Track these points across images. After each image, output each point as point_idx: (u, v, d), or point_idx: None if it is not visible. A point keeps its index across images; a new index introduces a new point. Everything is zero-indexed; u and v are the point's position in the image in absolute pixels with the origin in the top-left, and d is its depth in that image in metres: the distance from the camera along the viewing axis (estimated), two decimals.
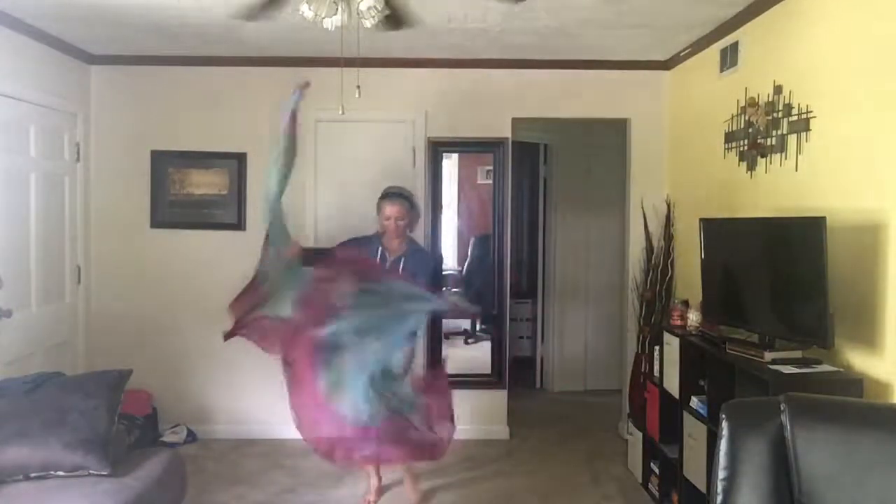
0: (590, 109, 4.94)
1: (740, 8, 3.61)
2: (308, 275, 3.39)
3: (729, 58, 3.87)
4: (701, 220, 3.60)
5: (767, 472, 2.00)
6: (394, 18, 2.95)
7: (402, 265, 3.80)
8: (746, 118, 3.60)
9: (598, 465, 4.47)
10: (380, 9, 2.65)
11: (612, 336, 5.93)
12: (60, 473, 2.73)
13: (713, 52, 4.08)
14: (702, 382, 3.36)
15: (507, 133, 4.91)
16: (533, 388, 6.31)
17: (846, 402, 2.29)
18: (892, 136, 2.55)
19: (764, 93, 3.44)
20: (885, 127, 2.60)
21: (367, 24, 2.72)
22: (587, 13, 3.72)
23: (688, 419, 3.43)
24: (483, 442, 4.87)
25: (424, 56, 4.71)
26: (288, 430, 4.84)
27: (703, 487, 3.20)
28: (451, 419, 3.43)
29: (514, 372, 5.23)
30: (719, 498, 2.03)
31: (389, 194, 3.87)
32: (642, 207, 4.85)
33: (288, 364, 3.33)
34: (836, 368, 2.77)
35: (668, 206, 4.75)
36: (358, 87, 3.13)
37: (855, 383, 2.65)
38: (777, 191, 3.33)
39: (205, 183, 4.88)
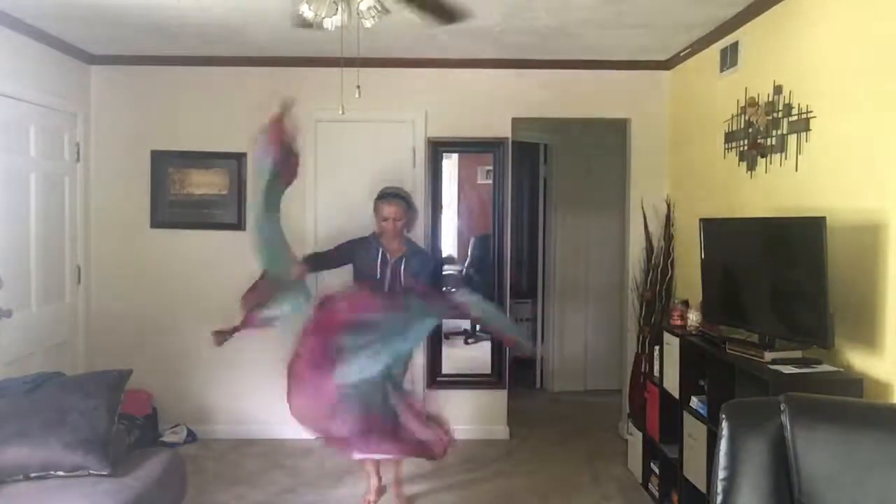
0: (590, 109, 4.94)
1: (740, 8, 3.61)
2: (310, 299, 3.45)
3: (729, 58, 3.87)
4: (701, 220, 3.60)
5: (767, 472, 2.00)
6: (447, 13, 2.94)
7: (403, 265, 3.80)
8: (746, 118, 3.60)
9: (598, 465, 4.48)
10: (380, 9, 2.65)
11: (612, 336, 5.93)
12: (60, 473, 2.73)
13: (713, 52, 4.08)
14: (702, 382, 3.36)
15: (507, 133, 4.91)
16: (533, 388, 6.31)
17: (846, 402, 2.29)
18: (892, 136, 2.55)
19: (764, 93, 3.44)
20: (885, 127, 2.60)
21: (368, 24, 2.72)
22: (587, 13, 3.72)
23: (688, 419, 3.43)
24: (483, 442, 4.87)
25: (424, 56, 4.71)
26: (288, 430, 4.84)
27: (703, 487, 3.20)
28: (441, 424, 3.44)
29: (514, 372, 5.23)
30: (719, 498, 2.03)
31: (386, 195, 3.86)
32: (642, 207, 4.85)
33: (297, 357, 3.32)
34: (836, 368, 2.77)
35: (668, 206, 4.75)
36: (358, 87, 3.14)
37: (855, 383, 2.65)
38: (777, 191, 3.33)
39: (205, 183, 4.88)
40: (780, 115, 3.27)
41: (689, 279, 4.26)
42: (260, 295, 3.39)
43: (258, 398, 4.81)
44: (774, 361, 2.80)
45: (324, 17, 2.66)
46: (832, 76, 2.93)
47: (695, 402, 3.36)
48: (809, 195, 3.05)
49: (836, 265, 2.67)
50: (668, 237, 4.68)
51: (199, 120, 4.87)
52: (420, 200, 4.85)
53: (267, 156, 3.32)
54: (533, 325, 6.56)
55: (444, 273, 4.12)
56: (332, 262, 3.90)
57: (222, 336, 3.36)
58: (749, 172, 3.58)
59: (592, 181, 6.18)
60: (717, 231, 3.52)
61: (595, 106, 4.93)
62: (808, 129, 3.07)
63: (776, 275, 3.02)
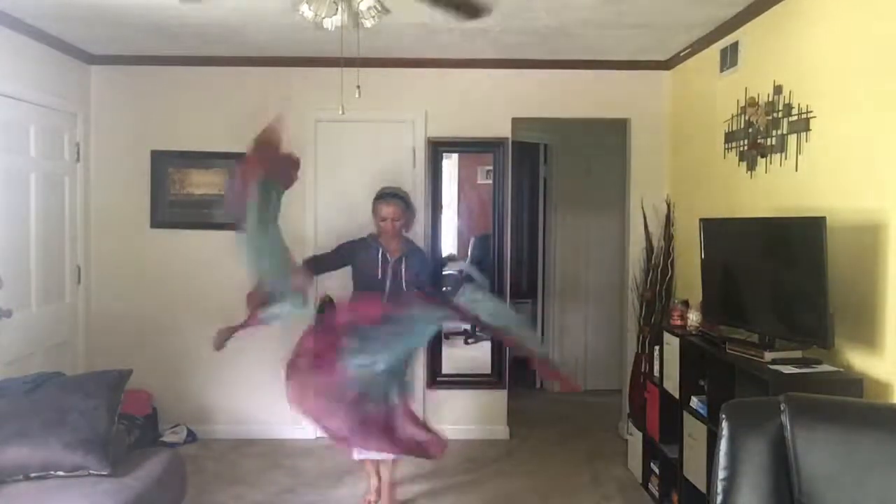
0: (590, 109, 4.94)
1: (740, 8, 3.61)
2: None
3: (729, 58, 3.87)
4: (701, 220, 3.60)
5: (767, 472, 2.00)
6: (471, 8, 2.93)
7: (404, 265, 3.80)
8: (746, 118, 3.60)
9: (598, 465, 4.47)
10: (380, 9, 2.65)
11: (612, 336, 5.93)
12: (60, 473, 2.73)
13: (713, 52, 4.08)
14: (702, 382, 3.36)
15: (507, 133, 4.91)
16: (533, 388, 6.30)
17: (846, 402, 2.29)
18: (892, 136, 2.55)
19: (764, 93, 3.44)
20: (885, 127, 2.60)
21: (368, 24, 2.72)
22: (587, 13, 3.72)
23: (688, 419, 3.43)
24: (483, 442, 4.87)
25: (424, 56, 4.71)
26: (288, 430, 4.87)
27: (703, 487, 3.20)
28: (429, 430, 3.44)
29: (514, 372, 5.22)
30: (719, 498, 2.03)
31: (385, 195, 3.85)
32: (642, 207, 4.85)
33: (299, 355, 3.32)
34: (836, 368, 2.77)
35: (668, 206, 4.75)
36: (358, 87, 3.13)
37: (855, 383, 2.65)
38: (777, 191, 3.33)
39: (205, 183, 4.88)
40: (780, 115, 3.27)
41: (689, 279, 4.26)
42: (262, 295, 3.39)
43: (258, 398, 4.81)
44: (774, 361, 2.80)
45: (324, 17, 2.66)
46: (832, 76, 2.93)
47: (695, 402, 3.36)
48: (809, 195, 3.05)
49: (836, 265, 2.67)
50: (668, 237, 4.68)
51: (199, 120, 4.87)
52: (420, 200, 4.85)
53: (250, 193, 3.27)
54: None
55: (444, 273, 4.09)
56: (331, 264, 3.88)
57: (224, 336, 3.35)
58: (749, 172, 3.58)
59: (592, 181, 6.18)
60: (717, 231, 3.52)
61: (595, 106, 4.93)
62: (808, 129, 3.07)
63: (776, 275, 3.02)
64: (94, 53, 4.74)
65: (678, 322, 3.79)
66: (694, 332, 3.58)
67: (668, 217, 4.73)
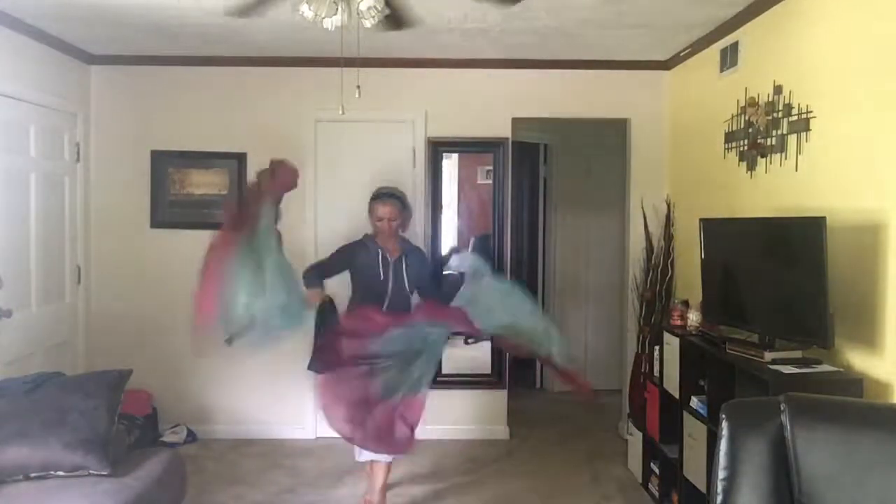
0: (590, 109, 4.94)
1: (740, 8, 3.61)
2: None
3: (729, 58, 3.87)
4: (701, 220, 3.60)
5: (767, 472, 2.00)
6: (394, 19, 2.96)
7: (404, 264, 3.79)
8: (746, 118, 3.60)
9: (598, 465, 4.47)
10: (380, 9, 2.65)
11: (612, 336, 5.93)
12: (60, 473, 2.73)
13: (713, 52, 4.08)
14: (702, 382, 3.36)
15: (507, 133, 4.91)
16: (533, 388, 6.30)
17: (846, 402, 2.29)
18: (892, 136, 2.55)
19: (764, 93, 3.44)
20: (885, 127, 2.60)
21: (367, 24, 2.72)
22: (587, 13, 3.72)
23: (688, 419, 3.43)
24: (483, 442, 4.87)
25: (424, 56, 4.71)
26: (288, 430, 4.88)
27: (703, 487, 3.20)
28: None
29: (514, 372, 5.23)
30: (719, 498, 2.03)
31: (381, 195, 3.83)
32: (642, 207, 4.85)
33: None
34: (836, 368, 2.77)
35: (668, 206, 4.75)
36: (358, 87, 3.13)
37: (855, 383, 2.65)
38: (777, 191, 3.33)
39: (205, 183, 4.88)
40: (780, 115, 3.27)
41: (689, 279, 4.26)
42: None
43: (258, 398, 4.81)
44: (774, 361, 2.80)
45: (324, 17, 2.66)
46: (832, 76, 2.93)
47: (695, 402, 3.36)
48: (809, 195, 3.05)
49: (836, 265, 2.67)
50: (668, 237, 4.67)
51: (199, 120, 4.87)
52: (420, 200, 4.85)
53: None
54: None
55: (444, 273, 4.06)
56: (334, 269, 3.82)
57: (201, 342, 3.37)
58: (749, 172, 3.58)
59: (592, 181, 6.18)
60: (717, 231, 3.52)
61: (595, 106, 4.93)
62: (808, 129, 3.07)
63: (776, 275, 3.02)
64: (94, 53, 4.74)
65: (678, 322, 3.79)
66: (694, 332, 3.58)
67: (668, 217, 4.73)
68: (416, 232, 4.70)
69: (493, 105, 4.88)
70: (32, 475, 2.71)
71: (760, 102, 3.46)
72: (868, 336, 2.67)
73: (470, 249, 6.37)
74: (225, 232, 3.34)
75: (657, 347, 3.91)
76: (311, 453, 4.59)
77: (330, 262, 3.84)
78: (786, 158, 3.24)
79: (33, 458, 2.70)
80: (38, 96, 4.19)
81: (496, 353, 5.02)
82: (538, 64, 4.79)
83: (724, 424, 2.09)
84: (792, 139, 3.19)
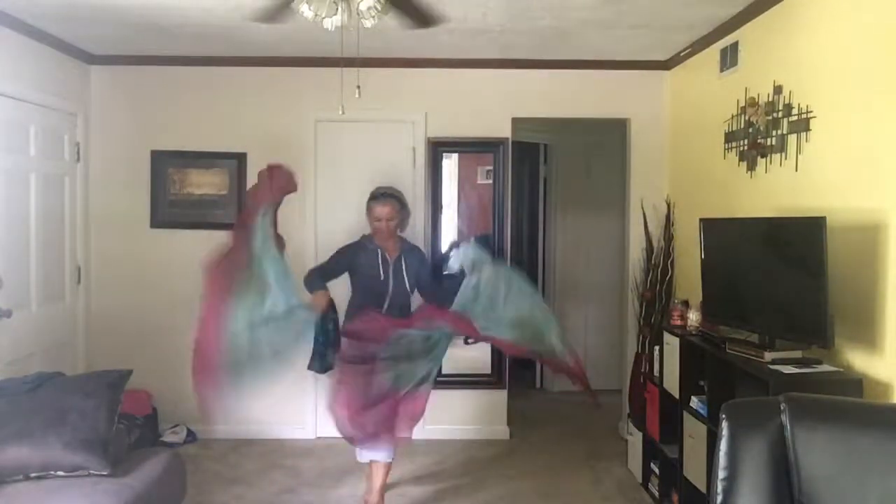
0: (590, 109, 4.94)
1: (740, 8, 3.61)
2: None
3: (729, 58, 3.87)
4: (701, 220, 3.60)
5: (767, 472, 2.00)
6: (422, 16, 2.95)
7: (404, 263, 3.79)
8: (746, 118, 3.60)
9: (598, 465, 4.48)
10: (379, 9, 2.65)
11: (612, 336, 5.93)
12: (60, 473, 2.73)
13: (713, 52, 4.08)
14: (702, 382, 3.36)
15: (507, 133, 4.92)
16: (533, 388, 6.30)
17: (846, 402, 2.29)
18: (892, 136, 2.55)
19: (764, 93, 3.44)
20: (885, 127, 2.59)
21: (368, 24, 2.72)
22: (587, 13, 3.72)
23: (688, 419, 3.43)
24: (483, 442, 4.87)
25: (424, 56, 4.71)
26: (288, 430, 4.87)
27: (703, 487, 3.20)
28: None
29: (514, 372, 5.23)
30: (719, 498, 2.03)
31: (378, 195, 3.83)
32: (642, 207, 4.85)
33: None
34: (836, 368, 2.77)
35: (668, 206, 4.75)
36: (358, 87, 3.14)
37: (855, 383, 2.65)
38: (777, 191, 3.33)
39: (205, 183, 4.88)
40: (780, 115, 3.27)
41: (689, 279, 4.26)
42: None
43: (258, 398, 4.80)
44: (774, 361, 2.80)
45: (324, 17, 2.66)
46: (832, 76, 2.93)
47: (695, 402, 3.36)
48: (809, 195, 3.05)
49: (836, 265, 2.67)
50: (668, 237, 4.67)
51: (199, 120, 4.87)
52: (420, 200, 4.86)
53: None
54: None
55: (445, 272, 4.06)
56: (334, 271, 3.81)
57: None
58: (749, 172, 3.58)
59: (592, 181, 6.18)
60: (717, 231, 3.52)
61: (595, 106, 4.93)
62: (808, 129, 3.07)
63: (776, 275, 3.02)
64: (94, 53, 4.74)
65: (678, 322, 3.79)
66: (694, 332, 3.58)
67: (668, 217, 4.73)
68: (417, 232, 4.70)
69: (493, 105, 4.88)
70: (32, 475, 2.71)
71: (760, 102, 3.46)
72: (868, 336, 2.67)
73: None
74: (222, 257, 3.37)
75: (657, 347, 3.91)
76: (311, 453, 4.59)
77: (330, 265, 3.83)
78: (786, 158, 3.24)
79: (33, 458, 2.70)
80: (38, 96, 4.19)
81: (496, 353, 5.02)
82: (538, 64, 4.79)
83: (724, 424, 2.09)
84: (792, 139, 3.19)
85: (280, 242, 3.38)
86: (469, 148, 5.06)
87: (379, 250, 3.77)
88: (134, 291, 4.87)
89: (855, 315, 2.72)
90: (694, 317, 3.68)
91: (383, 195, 3.81)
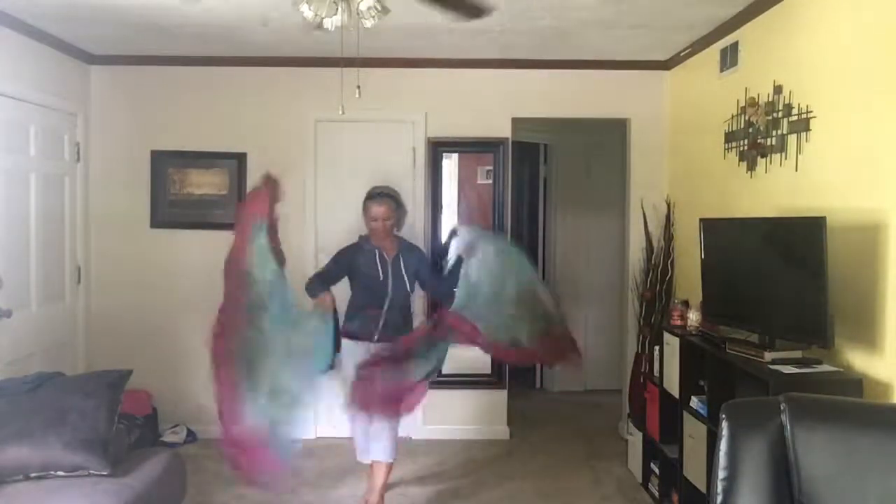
0: (590, 109, 4.94)
1: (740, 8, 3.61)
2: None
3: (729, 58, 3.87)
4: (701, 220, 3.60)
5: (767, 472, 2.00)
6: (472, 8, 2.92)
7: (402, 262, 3.79)
8: (746, 118, 3.60)
9: (598, 465, 4.47)
10: (380, 9, 2.65)
11: (612, 336, 5.92)
12: (60, 473, 2.73)
13: (713, 52, 4.08)
14: (702, 382, 3.36)
15: (507, 133, 4.92)
16: (533, 388, 6.30)
17: (846, 402, 2.29)
18: (892, 136, 2.55)
19: (764, 93, 3.44)
20: (885, 127, 2.59)
21: (368, 23, 2.72)
22: (587, 13, 3.72)
23: (688, 419, 3.43)
24: (483, 442, 4.87)
25: (424, 56, 4.71)
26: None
27: (703, 487, 3.20)
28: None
29: (514, 372, 5.23)
30: (719, 498, 2.03)
31: (375, 195, 3.82)
32: (642, 207, 4.85)
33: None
34: (836, 368, 2.77)
35: (668, 206, 4.75)
36: (358, 87, 3.13)
37: (855, 383, 2.65)
38: (777, 191, 3.33)
39: (205, 183, 4.88)
40: (780, 115, 3.27)
41: (689, 279, 4.26)
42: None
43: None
44: (774, 361, 2.80)
45: (324, 17, 2.66)
46: (832, 76, 2.93)
47: (695, 402, 3.36)
48: (809, 195, 3.05)
49: (836, 265, 2.67)
50: (668, 237, 4.67)
51: (199, 120, 4.87)
52: (420, 200, 4.86)
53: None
54: None
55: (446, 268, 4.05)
56: (336, 275, 3.80)
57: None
58: (749, 172, 3.58)
59: (592, 181, 6.18)
60: (717, 231, 3.52)
61: (595, 106, 4.93)
62: (808, 129, 3.07)
63: (776, 275, 3.02)
64: (94, 53, 4.74)
65: (678, 322, 3.79)
66: (694, 332, 3.58)
67: (668, 217, 4.73)
68: (417, 232, 4.70)
69: (493, 105, 4.88)
70: (32, 475, 2.71)
71: (760, 102, 3.46)
72: (868, 336, 2.67)
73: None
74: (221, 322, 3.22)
75: (657, 347, 3.91)
76: (311, 453, 4.58)
77: (330, 269, 3.82)
78: (786, 158, 3.24)
79: (33, 458, 2.70)
80: (38, 96, 4.19)
81: None
82: (538, 64, 4.79)
83: (724, 424, 2.09)
84: (792, 139, 3.19)
85: (280, 257, 3.28)
86: (469, 148, 5.06)
87: (377, 250, 3.77)
88: (134, 291, 4.87)
89: (855, 315, 2.72)
90: (694, 317, 3.68)
91: (379, 195, 3.81)
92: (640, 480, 4.14)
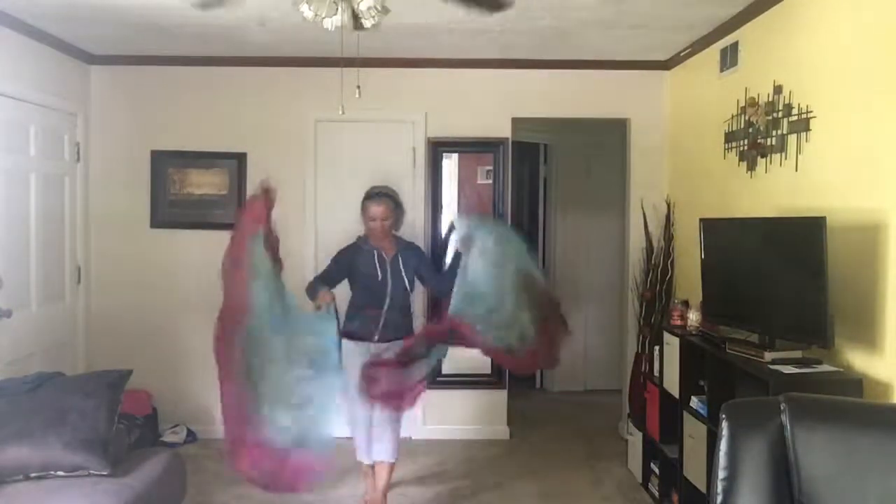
0: (590, 109, 4.94)
1: (740, 8, 3.61)
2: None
3: (729, 58, 3.87)
4: (701, 220, 3.60)
5: (767, 472, 2.00)
6: (491, 2, 2.90)
7: (401, 262, 3.78)
8: (746, 118, 3.60)
9: (598, 465, 4.48)
10: (380, 9, 2.65)
11: (612, 336, 5.93)
12: (60, 473, 2.73)
13: (713, 52, 4.08)
14: (702, 382, 3.36)
15: (507, 133, 4.92)
16: (533, 388, 6.30)
17: (846, 402, 2.29)
18: (892, 136, 2.55)
19: (764, 93, 3.44)
20: (885, 127, 2.59)
21: (368, 23, 2.72)
22: (587, 13, 3.72)
23: (688, 419, 3.43)
24: (483, 442, 4.87)
25: (424, 56, 4.71)
26: None
27: (703, 487, 3.20)
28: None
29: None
30: (719, 498, 2.03)
31: (373, 194, 3.81)
32: (642, 207, 4.85)
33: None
34: (836, 368, 2.77)
35: (668, 206, 4.75)
36: (358, 87, 3.13)
37: (855, 383, 2.65)
38: (777, 191, 3.33)
39: (205, 183, 4.88)
40: (780, 115, 3.27)
41: (689, 279, 4.26)
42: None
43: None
44: (774, 361, 2.80)
45: (324, 17, 2.66)
46: (832, 76, 2.93)
47: (695, 402, 3.36)
48: (809, 195, 3.05)
49: (836, 265, 2.67)
50: (668, 237, 4.67)
51: (199, 120, 4.87)
52: (420, 200, 4.86)
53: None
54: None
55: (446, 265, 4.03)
56: (335, 277, 3.79)
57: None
58: (749, 172, 3.58)
59: (592, 181, 6.18)
60: (717, 231, 3.52)
61: (595, 106, 4.93)
62: (808, 129, 3.07)
63: (776, 275, 3.02)
64: (94, 53, 4.74)
65: (678, 322, 3.79)
66: (694, 332, 3.58)
67: (668, 217, 4.73)
68: (416, 232, 4.70)
69: (493, 105, 4.88)
70: (32, 475, 2.71)
71: (760, 102, 3.46)
72: (868, 336, 2.67)
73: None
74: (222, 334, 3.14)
75: (657, 347, 3.91)
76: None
77: (330, 271, 3.81)
78: (786, 158, 3.24)
79: (33, 458, 2.70)
80: (38, 96, 4.19)
81: None
82: (538, 64, 4.79)
83: (724, 424, 2.09)
84: (792, 139, 3.19)
85: (277, 265, 3.20)
86: (469, 148, 5.06)
87: (375, 251, 3.76)
88: (134, 291, 4.87)
89: (855, 315, 2.72)
90: (694, 317, 3.68)
91: (378, 194, 3.81)
92: (640, 480, 4.14)
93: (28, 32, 4.04)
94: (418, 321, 4.28)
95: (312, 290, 3.67)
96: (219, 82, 4.86)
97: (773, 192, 3.36)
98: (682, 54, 4.55)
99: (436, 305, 4.32)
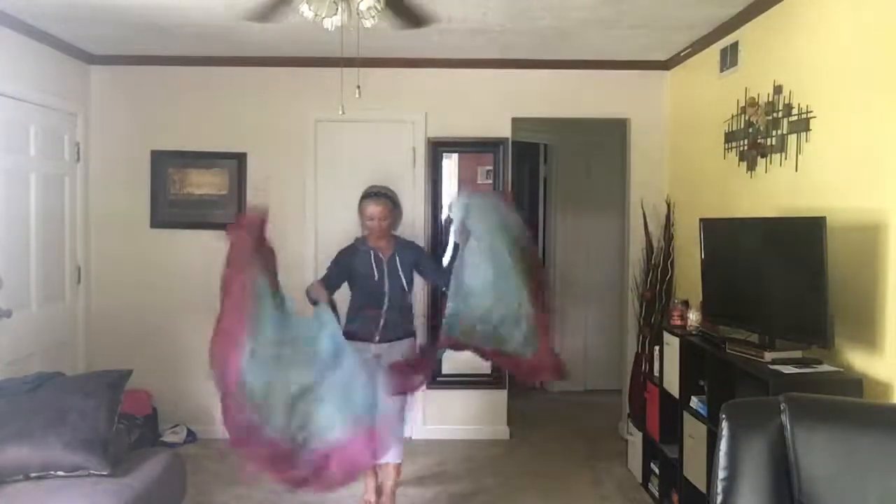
0: (590, 109, 4.94)
1: (740, 8, 3.61)
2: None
3: (729, 58, 3.87)
4: (701, 220, 3.60)
5: (767, 472, 2.00)
6: (413, 17, 2.93)
7: (398, 261, 3.78)
8: (746, 118, 3.60)
9: (598, 465, 4.47)
10: (380, 9, 2.65)
11: (612, 336, 5.92)
12: (60, 473, 2.73)
13: (713, 52, 4.08)
14: (702, 382, 3.36)
15: (507, 133, 4.91)
16: (533, 388, 6.29)
17: (846, 402, 2.29)
18: (892, 136, 2.55)
19: (764, 93, 3.44)
20: (885, 127, 2.60)
21: (368, 23, 2.72)
22: (587, 13, 3.72)
23: (688, 419, 3.43)
24: (483, 442, 4.87)
25: (424, 56, 4.71)
26: None
27: (703, 487, 3.20)
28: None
29: None
30: (719, 498, 2.03)
31: (371, 194, 3.79)
32: (642, 207, 4.84)
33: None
34: (836, 368, 2.77)
35: (668, 206, 4.75)
36: (358, 87, 3.13)
37: (855, 383, 2.65)
38: (777, 191, 3.33)
39: (205, 183, 4.88)
40: (780, 115, 3.27)
41: (689, 279, 4.26)
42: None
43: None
44: (774, 361, 2.80)
45: (324, 17, 2.66)
46: (832, 76, 2.93)
47: (695, 402, 3.36)
48: (809, 195, 3.05)
49: (836, 265, 2.67)
50: (668, 237, 4.67)
51: (199, 120, 4.87)
52: (420, 200, 4.86)
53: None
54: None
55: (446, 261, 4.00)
56: (335, 280, 3.76)
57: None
58: (749, 172, 3.58)
59: (592, 181, 6.18)
60: (717, 231, 3.52)
61: (595, 106, 4.92)
62: (808, 129, 3.07)
63: (776, 275, 3.02)
64: (94, 53, 4.74)
65: (678, 322, 3.79)
66: (694, 332, 3.58)
67: (668, 217, 4.72)
68: (416, 232, 4.70)
69: (493, 105, 4.88)
70: (32, 475, 2.72)
71: (760, 102, 3.46)
72: (868, 336, 2.67)
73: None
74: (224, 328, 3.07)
75: (657, 347, 3.91)
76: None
77: (330, 275, 3.79)
78: (786, 158, 3.24)
79: (33, 458, 2.70)
80: (38, 96, 4.19)
81: None
82: (538, 64, 4.79)
83: (724, 424, 2.09)
84: (792, 139, 3.19)
85: (275, 281, 3.11)
86: (469, 148, 5.06)
87: (372, 251, 3.76)
88: (134, 291, 4.87)
89: (855, 315, 2.72)
90: (694, 317, 3.68)
91: (376, 194, 3.80)
92: (640, 480, 4.14)
93: (28, 32, 4.04)
94: (418, 321, 4.28)
95: (310, 293, 3.64)
96: (218, 82, 4.86)
97: (773, 192, 3.36)
98: (682, 54, 4.55)
99: (435, 304, 4.31)
